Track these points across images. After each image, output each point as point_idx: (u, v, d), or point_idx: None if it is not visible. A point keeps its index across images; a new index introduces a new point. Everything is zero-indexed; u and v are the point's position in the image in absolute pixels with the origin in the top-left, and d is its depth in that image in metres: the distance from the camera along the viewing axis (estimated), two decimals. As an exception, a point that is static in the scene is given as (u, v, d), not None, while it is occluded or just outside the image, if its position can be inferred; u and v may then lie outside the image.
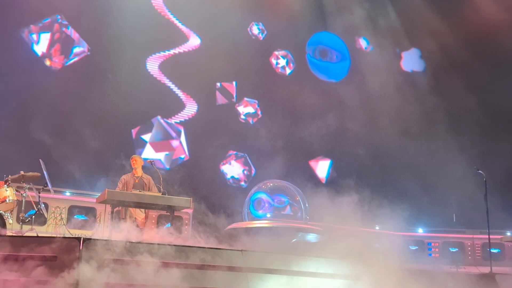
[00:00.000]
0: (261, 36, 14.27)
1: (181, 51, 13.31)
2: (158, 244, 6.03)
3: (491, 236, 9.25)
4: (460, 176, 10.79)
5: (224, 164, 13.43)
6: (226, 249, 6.77)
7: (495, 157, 11.13)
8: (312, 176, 13.40)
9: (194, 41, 13.41)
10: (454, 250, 10.95)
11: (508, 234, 10.34)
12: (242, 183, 13.45)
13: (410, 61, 14.89)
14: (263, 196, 12.37)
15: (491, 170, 9.58)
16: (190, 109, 13.24)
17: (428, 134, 12.93)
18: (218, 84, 13.79)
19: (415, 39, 14.50)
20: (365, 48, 14.88)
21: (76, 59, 12.34)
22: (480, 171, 9.17)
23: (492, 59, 13.69)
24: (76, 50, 12.36)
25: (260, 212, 12.20)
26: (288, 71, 14.42)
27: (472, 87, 13.21)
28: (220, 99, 13.80)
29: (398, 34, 14.45)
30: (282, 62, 14.37)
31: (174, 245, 6.19)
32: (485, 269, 9.26)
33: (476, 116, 12.94)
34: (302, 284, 6.70)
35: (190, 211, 10.04)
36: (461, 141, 12.22)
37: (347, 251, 7.10)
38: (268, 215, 11.94)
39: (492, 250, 9.92)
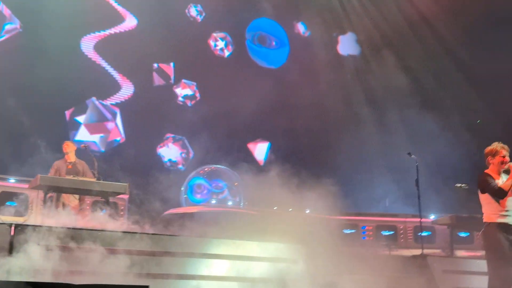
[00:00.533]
0: (199, 18, 14.10)
1: (117, 31, 13.00)
2: (92, 230, 5.93)
3: (422, 220, 9.52)
4: (393, 160, 11.02)
5: (161, 147, 13.26)
6: (163, 235, 6.74)
7: (426, 140, 11.41)
8: (250, 159, 13.43)
9: (130, 22, 13.12)
10: (387, 233, 11.24)
11: (433, 217, 10.68)
12: (180, 166, 13.34)
13: (347, 45, 15.06)
14: (201, 181, 12.31)
15: (422, 154, 9.81)
16: (126, 90, 12.98)
17: (363, 117, 13.14)
18: (155, 65, 13.56)
19: (352, 23, 14.65)
20: (303, 33, 14.94)
21: (7, 36, 11.86)
22: (413, 156, 9.41)
23: (425, 44, 14.02)
24: (8, 27, 11.87)
25: (198, 197, 12.15)
26: (226, 53, 14.33)
27: (405, 70, 13.47)
28: (157, 80, 13.59)
29: (335, 18, 14.57)
30: (221, 44, 14.27)
31: (109, 231, 6.12)
32: (417, 251, 9.56)
33: (409, 100, 13.18)
34: (241, 268, 6.74)
35: (126, 197, 9.88)
36: (393, 124, 12.45)
37: (284, 235, 7.18)
38: (206, 201, 11.91)
39: (423, 233, 10.25)
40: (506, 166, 6.51)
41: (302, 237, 7.23)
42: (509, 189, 6.38)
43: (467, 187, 9.98)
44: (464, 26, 13.51)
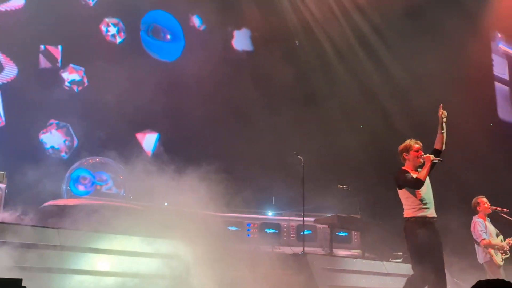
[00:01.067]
0: (91, 2, 13.58)
1: (2, 9, 12.22)
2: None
3: (305, 219, 9.80)
4: (282, 159, 11.20)
5: (44, 133, 12.62)
6: (42, 227, 6.46)
7: (311, 141, 11.67)
8: (138, 150, 13.10)
9: (17, 0, 12.39)
10: (271, 231, 11.43)
11: (315, 216, 10.96)
12: (63, 154, 12.77)
13: (241, 40, 15.09)
14: (84, 173, 11.88)
15: (307, 154, 10.05)
16: (9, 71, 12.23)
17: (254, 115, 13.19)
18: (42, 46, 12.90)
19: (247, 19, 14.67)
20: (198, 26, 14.84)
21: None
22: (299, 156, 9.65)
23: (316, 43, 14.29)
24: None
25: (81, 189, 11.71)
26: (118, 39, 13.90)
27: (296, 69, 13.63)
28: (44, 63, 12.91)
29: (230, 12, 14.53)
30: (113, 30, 13.81)
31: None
32: (298, 250, 9.82)
33: (298, 99, 13.37)
34: (125, 263, 6.59)
35: (3, 186, 9.32)
36: (284, 123, 12.60)
37: (167, 230, 7.10)
38: (89, 193, 11.50)
39: (305, 232, 10.54)
40: (421, 160, 6.72)
41: (185, 233, 7.17)
42: (425, 177, 6.60)
43: (348, 188, 10.42)
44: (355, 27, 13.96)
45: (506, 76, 14.94)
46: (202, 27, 14.78)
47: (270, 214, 11.81)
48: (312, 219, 10.62)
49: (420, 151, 6.76)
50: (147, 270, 6.76)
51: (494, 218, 9.44)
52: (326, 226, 10.37)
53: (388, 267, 9.01)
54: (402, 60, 13.64)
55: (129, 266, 6.66)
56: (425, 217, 6.60)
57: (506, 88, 14.85)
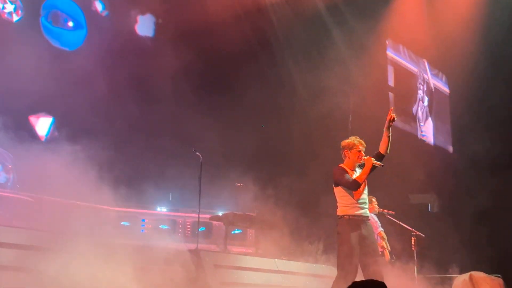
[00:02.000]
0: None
1: None
2: None
3: (200, 215, 9.75)
4: (178, 155, 11.08)
5: None
6: None
7: (210, 137, 11.61)
8: (30, 135, 12.41)
9: None
10: (166, 227, 11.29)
11: (212, 213, 10.97)
12: None
13: (145, 26, 14.64)
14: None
15: (206, 151, 10.01)
16: None
17: (153, 106, 12.82)
18: None
19: (151, 4, 14.25)
20: (101, 12, 14.35)
21: None
22: (197, 153, 9.59)
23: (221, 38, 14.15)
24: None
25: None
26: (15, 18, 13.16)
27: (201, 62, 13.46)
28: None
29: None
30: (10, 7, 13.08)
31: None
32: (193, 246, 9.75)
33: (201, 95, 13.20)
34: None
35: None
36: (181, 117, 12.38)
37: (51, 223, 6.84)
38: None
39: (200, 229, 10.49)
40: (361, 161, 6.73)
41: (69, 225, 6.92)
42: (363, 181, 6.64)
43: (245, 186, 10.50)
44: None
45: (391, 83, 15.52)
46: (104, 13, 14.28)
47: (165, 210, 11.63)
48: (209, 216, 10.60)
49: (362, 152, 6.77)
50: (14, 262, 6.35)
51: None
52: (222, 223, 10.37)
53: (279, 265, 9.13)
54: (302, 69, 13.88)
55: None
56: (359, 216, 6.67)
57: (392, 94, 15.42)
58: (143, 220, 11.05)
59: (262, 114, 13.66)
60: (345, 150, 6.84)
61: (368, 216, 6.81)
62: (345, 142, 6.88)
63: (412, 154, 13.67)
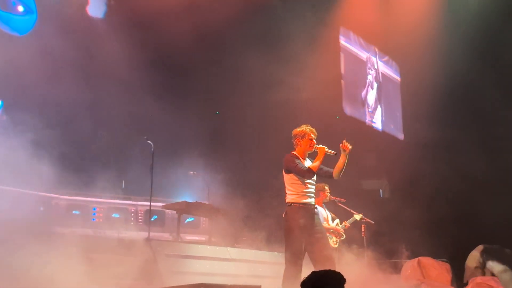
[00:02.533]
0: None
1: None
2: None
3: (153, 204, 9.68)
4: (130, 143, 10.94)
5: None
6: None
7: (162, 126, 11.50)
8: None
9: None
10: (117, 216, 11.14)
11: (165, 202, 10.89)
12: None
13: (96, 7, 14.21)
14: None
15: (158, 139, 9.91)
16: None
17: (105, 93, 12.55)
18: None
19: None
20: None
21: None
22: (149, 141, 9.50)
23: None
24: None
25: None
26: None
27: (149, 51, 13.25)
28: None
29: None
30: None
31: None
32: (146, 235, 9.67)
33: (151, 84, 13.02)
34: None
35: None
36: (134, 105, 12.18)
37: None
38: None
39: (153, 218, 10.42)
40: (313, 149, 6.74)
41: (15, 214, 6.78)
42: (317, 169, 6.61)
43: (199, 175, 10.47)
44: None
45: (343, 70, 15.60)
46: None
47: (117, 199, 11.46)
48: (161, 204, 10.52)
49: (313, 141, 6.77)
50: None
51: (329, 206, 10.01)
52: (175, 212, 10.30)
53: (232, 253, 9.16)
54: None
55: None
56: (308, 204, 6.68)
57: (343, 82, 15.51)
58: (94, 209, 10.88)
59: (216, 102, 13.59)
60: (297, 138, 6.84)
61: (315, 205, 6.86)
62: (296, 130, 6.88)
63: (363, 140, 13.85)
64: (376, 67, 16.80)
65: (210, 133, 12.89)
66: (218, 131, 13.25)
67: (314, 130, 6.88)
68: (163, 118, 11.53)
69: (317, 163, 6.66)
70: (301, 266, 6.53)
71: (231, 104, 13.34)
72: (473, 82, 15.64)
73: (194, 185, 10.70)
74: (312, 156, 6.92)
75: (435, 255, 12.02)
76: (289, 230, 6.64)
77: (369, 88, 16.54)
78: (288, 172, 6.73)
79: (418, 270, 11.31)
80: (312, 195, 6.80)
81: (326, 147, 6.75)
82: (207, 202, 10.32)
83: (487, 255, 11.90)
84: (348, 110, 15.28)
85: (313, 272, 3.61)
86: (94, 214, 10.84)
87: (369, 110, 16.42)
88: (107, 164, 10.42)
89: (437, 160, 16.19)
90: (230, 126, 13.38)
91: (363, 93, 16.35)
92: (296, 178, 6.67)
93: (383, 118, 16.89)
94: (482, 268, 11.78)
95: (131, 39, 12.46)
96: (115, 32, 12.96)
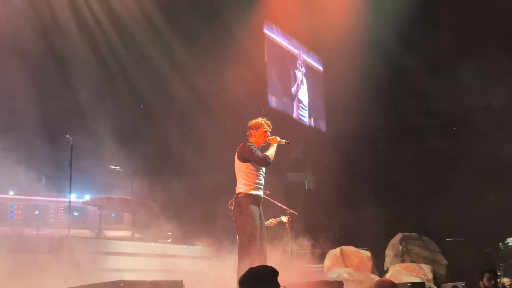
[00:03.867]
0: None
1: None
2: None
3: (74, 200, 9.48)
4: (50, 137, 10.63)
5: None
6: None
7: (83, 118, 11.23)
8: None
9: None
10: (37, 213, 10.79)
11: (86, 197, 10.66)
12: None
13: None
14: None
15: (79, 133, 9.70)
16: None
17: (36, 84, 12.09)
18: None
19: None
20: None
21: None
22: (67, 136, 9.28)
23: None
24: None
25: None
26: None
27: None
28: None
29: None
30: None
31: None
32: (66, 232, 9.43)
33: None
34: None
35: None
36: (54, 98, 11.78)
37: None
38: None
39: (73, 214, 10.18)
40: (266, 141, 6.80)
41: None
42: (273, 158, 6.65)
43: (120, 169, 10.30)
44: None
45: (269, 62, 15.66)
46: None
47: (36, 195, 11.08)
48: (82, 200, 10.28)
49: (268, 134, 6.86)
50: None
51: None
52: (96, 208, 10.09)
53: (155, 248, 9.08)
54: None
55: None
56: (259, 196, 6.74)
57: (268, 72, 15.59)
58: (12, 206, 10.49)
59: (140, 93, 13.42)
60: (252, 129, 6.92)
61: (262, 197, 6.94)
62: (252, 122, 6.96)
63: (289, 133, 14.02)
64: (301, 59, 16.97)
65: (134, 125, 12.72)
66: (143, 123, 13.09)
67: (269, 123, 7.00)
68: (84, 110, 11.29)
69: (272, 152, 6.74)
70: (257, 250, 6.53)
71: (157, 94, 13.25)
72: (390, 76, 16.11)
73: (116, 180, 10.50)
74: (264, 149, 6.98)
75: (357, 244, 12.38)
76: (243, 217, 6.61)
77: (298, 83, 16.70)
78: (244, 160, 6.74)
79: (341, 259, 11.63)
80: (262, 188, 6.86)
81: (278, 137, 6.88)
82: (129, 197, 10.16)
83: (405, 242, 12.36)
84: (273, 103, 15.39)
85: (250, 269, 3.76)
86: (12, 211, 10.44)
87: (298, 104, 16.59)
88: (27, 158, 10.02)
89: (359, 150, 16.67)
90: (152, 119, 13.26)
91: (293, 89, 16.50)
92: (252, 168, 6.70)
93: (309, 112, 17.12)
94: (401, 256, 12.21)
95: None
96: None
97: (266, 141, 6.91)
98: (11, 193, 10.65)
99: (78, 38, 12.62)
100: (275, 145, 6.83)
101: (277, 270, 3.77)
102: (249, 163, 6.74)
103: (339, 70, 16.22)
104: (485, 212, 13.77)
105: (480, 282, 7.44)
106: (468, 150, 15.87)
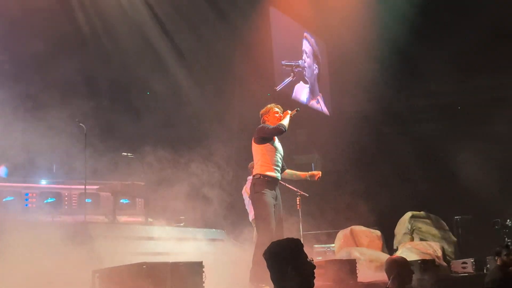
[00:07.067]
0: None
1: None
2: None
3: (88, 187, 9.57)
4: (61, 127, 10.69)
5: None
6: None
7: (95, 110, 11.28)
8: None
9: None
10: (51, 200, 10.90)
11: (98, 184, 10.73)
12: None
13: None
14: None
15: (91, 123, 9.79)
16: None
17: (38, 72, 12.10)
18: None
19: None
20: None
21: None
22: (81, 124, 9.37)
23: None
24: None
25: None
26: None
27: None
28: None
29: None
30: None
31: None
32: (81, 219, 9.56)
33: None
34: None
35: None
36: (64, 88, 11.82)
37: None
38: None
39: (87, 200, 10.28)
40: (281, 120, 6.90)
41: None
42: (287, 125, 6.81)
43: (132, 156, 10.39)
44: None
45: (276, 51, 15.70)
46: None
47: (48, 183, 11.17)
48: (96, 187, 10.39)
49: (280, 114, 7.04)
50: None
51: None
52: (110, 194, 10.21)
53: (170, 232, 9.21)
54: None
55: None
56: (276, 178, 6.80)
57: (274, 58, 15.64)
58: (27, 194, 10.61)
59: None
60: (264, 116, 7.11)
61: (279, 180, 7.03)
62: (262, 110, 7.17)
63: (295, 117, 14.11)
64: (308, 45, 17.02)
65: (149, 113, 12.79)
66: (155, 112, 13.15)
67: (279, 105, 7.18)
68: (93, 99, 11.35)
69: (285, 121, 6.86)
70: (273, 231, 6.60)
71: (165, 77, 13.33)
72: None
73: (129, 166, 10.59)
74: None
75: (367, 224, 12.50)
76: (259, 197, 6.70)
77: (300, 65, 16.73)
78: (259, 141, 6.84)
79: (351, 239, 11.76)
80: (279, 170, 6.93)
81: (289, 111, 7.06)
82: (142, 183, 10.26)
83: (414, 221, 12.48)
84: (279, 87, 15.45)
85: (273, 242, 3.77)
86: (26, 199, 10.56)
87: (303, 87, 16.65)
88: (39, 146, 10.09)
89: (363, 132, 16.75)
90: (167, 103, 13.35)
91: (300, 72, 16.54)
92: (268, 149, 6.79)
93: (314, 94, 17.17)
94: (410, 234, 12.34)
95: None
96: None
97: (280, 120, 7.01)
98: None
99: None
100: (288, 116, 6.99)
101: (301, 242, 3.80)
102: (264, 145, 6.83)
103: (344, 52, 16.28)
104: (493, 189, 13.87)
105: (498, 258, 7.38)
106: (473, 129, 15.92)
